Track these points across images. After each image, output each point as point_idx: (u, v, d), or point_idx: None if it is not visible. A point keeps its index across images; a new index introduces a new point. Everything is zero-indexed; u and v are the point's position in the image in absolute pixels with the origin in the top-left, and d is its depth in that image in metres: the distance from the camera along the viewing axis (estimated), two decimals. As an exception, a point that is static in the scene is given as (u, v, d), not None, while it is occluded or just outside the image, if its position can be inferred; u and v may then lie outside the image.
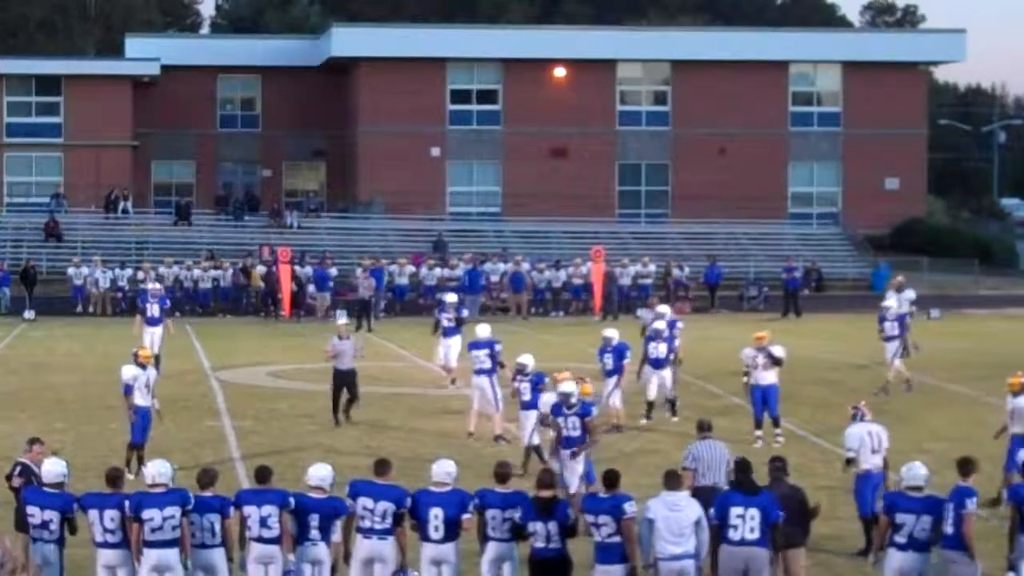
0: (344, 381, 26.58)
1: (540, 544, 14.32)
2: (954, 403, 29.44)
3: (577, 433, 19.38)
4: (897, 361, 30.80)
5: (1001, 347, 40.31)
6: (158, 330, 33.14)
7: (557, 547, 14.30)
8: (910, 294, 35.44)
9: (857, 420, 18.00)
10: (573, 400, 19.48)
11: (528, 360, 22.67)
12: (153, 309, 33.35)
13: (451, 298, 32.07)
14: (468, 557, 15.14)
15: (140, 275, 51.16)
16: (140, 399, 21.97)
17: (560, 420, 19.48)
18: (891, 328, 31.12)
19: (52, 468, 14.70)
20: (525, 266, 51.93)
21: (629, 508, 14.21)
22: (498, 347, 25.46)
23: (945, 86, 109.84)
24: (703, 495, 15.34)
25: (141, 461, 20.48)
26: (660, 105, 68.59)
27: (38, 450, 15.73)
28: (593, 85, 67.08)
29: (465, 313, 32.31)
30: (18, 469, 15.64)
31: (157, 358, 30.23)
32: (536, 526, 14.29)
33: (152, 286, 35.37)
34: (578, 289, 51.76)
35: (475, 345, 25.57)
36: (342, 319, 28.85)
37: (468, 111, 67.49)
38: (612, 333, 26.28)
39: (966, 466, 14.75)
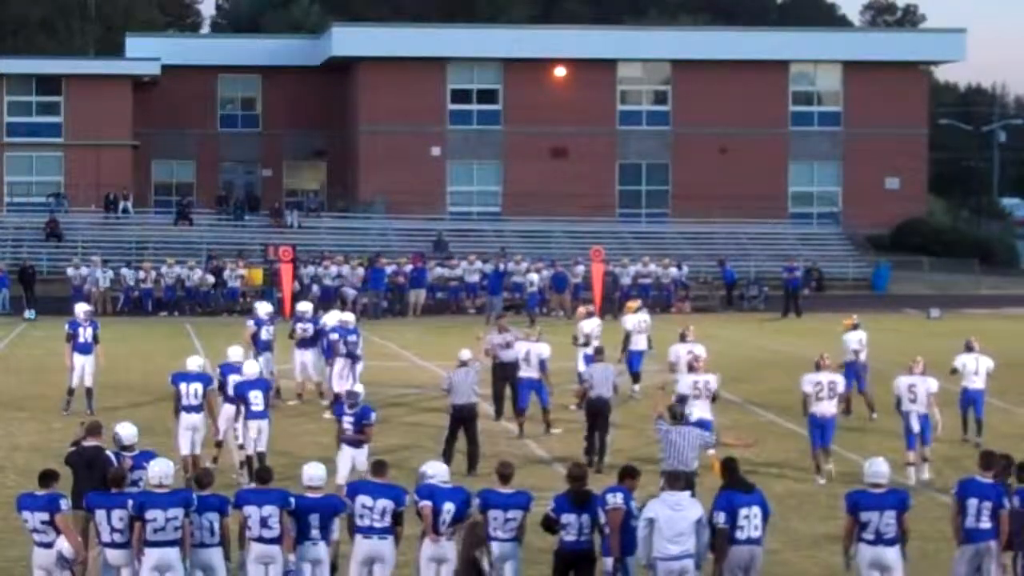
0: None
1: (572, 537, 14.47)
2: (954, 403, 29.43)
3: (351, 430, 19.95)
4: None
5: (1001, 347, 40.27)
6: (90, 358, 28.58)
7: (587, 540, 14.49)
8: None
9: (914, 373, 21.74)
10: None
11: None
12: (85, 334, 28.66)
13: (305, 306, 30.55)
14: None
15: (141, 274, 51.33)
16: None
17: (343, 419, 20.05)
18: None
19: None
20: (579, 268, 52.00)
21: (611, 499, 14.45)
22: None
23: (945, 86, 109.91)
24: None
25: None
26: (660, 105, 68.63)
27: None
28: (593, 85, 67.11)
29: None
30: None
31: (89, 391, 28.45)
32: (570, 518, 14.43)
33: (82, 309, 29.79)
34: (578, 289, 51.71)
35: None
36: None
37: (468, 111, 67.52)
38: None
39: (988, 459, 15.12)
